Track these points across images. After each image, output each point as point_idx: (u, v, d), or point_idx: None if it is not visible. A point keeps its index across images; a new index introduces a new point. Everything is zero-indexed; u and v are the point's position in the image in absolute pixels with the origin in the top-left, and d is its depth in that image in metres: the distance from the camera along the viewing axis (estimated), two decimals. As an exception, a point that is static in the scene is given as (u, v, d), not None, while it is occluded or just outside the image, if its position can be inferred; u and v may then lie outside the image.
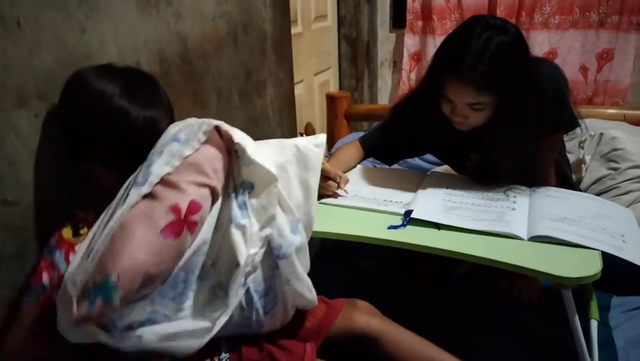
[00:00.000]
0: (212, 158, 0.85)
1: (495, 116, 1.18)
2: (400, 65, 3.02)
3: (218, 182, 0.86)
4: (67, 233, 0.88)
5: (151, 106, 0.91)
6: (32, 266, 0.89)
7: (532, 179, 1.30)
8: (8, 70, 0.81)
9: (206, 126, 0.86)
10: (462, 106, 1.17)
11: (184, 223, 0.80)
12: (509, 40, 1.12)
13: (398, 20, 2.98)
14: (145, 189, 0.80)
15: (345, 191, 1.28)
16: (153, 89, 0.95)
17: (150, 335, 0.82)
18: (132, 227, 0.77)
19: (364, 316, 1.11)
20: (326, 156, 1.62)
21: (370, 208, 1.22)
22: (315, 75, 2.61)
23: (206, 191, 0.84)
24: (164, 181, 0.81)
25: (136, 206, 0.79)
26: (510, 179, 1.30)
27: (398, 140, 1.45)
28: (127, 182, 0.86)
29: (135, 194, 0.80)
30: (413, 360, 1.08)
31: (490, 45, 1.10)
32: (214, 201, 0.86)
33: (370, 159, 1.61)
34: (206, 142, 0.85)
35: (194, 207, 0.81)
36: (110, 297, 0.75)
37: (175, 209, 0.80)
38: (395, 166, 1.71)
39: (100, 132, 0.88)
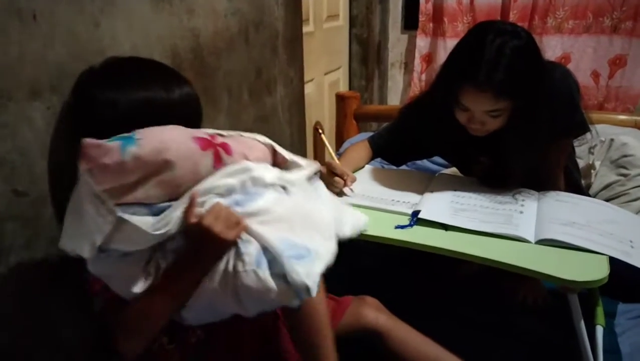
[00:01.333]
0: (262, 152, 0.94)
1: (511, 118, 1.18)
2: (411, 66, 3.02)
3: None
4: None
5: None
6: (42, 257, 0.90)
7: (541, 183, 1.30)
8: (22, 62, 0.82)
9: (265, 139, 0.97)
10: (479, 114, 1.17)
11: (214, 145, 0.84)
12: (522, 44, 1.11)
13: (410, 22, 2.98)
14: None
15: (351, 189, 1.28)
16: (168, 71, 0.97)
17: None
18: (169, 126, 0.83)
19: (372, 312, 1.13)
20: (336, 154, 1.63)
21: (377, 207, 1.22)
22: (326, 74, 2.61)
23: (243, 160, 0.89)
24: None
25: None
26: (520, 183, 1.30)
27: (407, 141, 1.45)
28: None
29: None
30: (418, 360, 1.08)
31: (505, 51, 1.09)
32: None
33: (379, 159, 1.61)
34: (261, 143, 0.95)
35: (227, 147, 0.86)
36: (128, 144, 0.77)
37: (212, 135, 0.86)
38: (404, 167, 1.71)
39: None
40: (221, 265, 0.83)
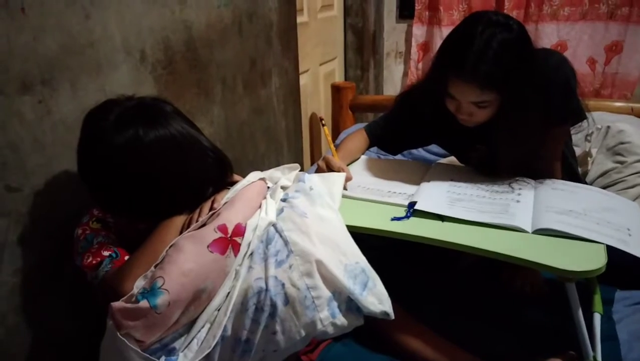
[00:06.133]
0: (259, 192, 1.01)
1: (501, 109, 1.17)
2: (408, 56, 3.00)
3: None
4: (94, 224, 0.94)
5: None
6: (36, 253, 0.90)
7: (538, 171, 1.29)
8: (12, 55, 0.81)
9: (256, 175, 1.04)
10: (466, 104, 1.17)
11: (229, 241, 0.87)
12: (512, 38, 1.10)
13: (404, 11, 2.96)
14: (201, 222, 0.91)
15: (345, 188, 1.27)
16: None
17: None
18: (182, 243, 0.85)
19: None
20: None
21: (373, 199, 1.21)
22: (321, 65, 2.59)
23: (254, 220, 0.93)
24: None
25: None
26: (515, 172, 1.29)
27: (403, 129, 1.45)
28: None
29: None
30: (425, 351, 1.09)
31: (493, 43, 1.08)
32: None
33: (375, 149, 1.60)
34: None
35: (239, 230, 0.89)
36: (155, 298, 0.78)
37: (220, 226, 0.88)
38: (400, 157, 1.70)
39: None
40: (300, 333, 0.88)
